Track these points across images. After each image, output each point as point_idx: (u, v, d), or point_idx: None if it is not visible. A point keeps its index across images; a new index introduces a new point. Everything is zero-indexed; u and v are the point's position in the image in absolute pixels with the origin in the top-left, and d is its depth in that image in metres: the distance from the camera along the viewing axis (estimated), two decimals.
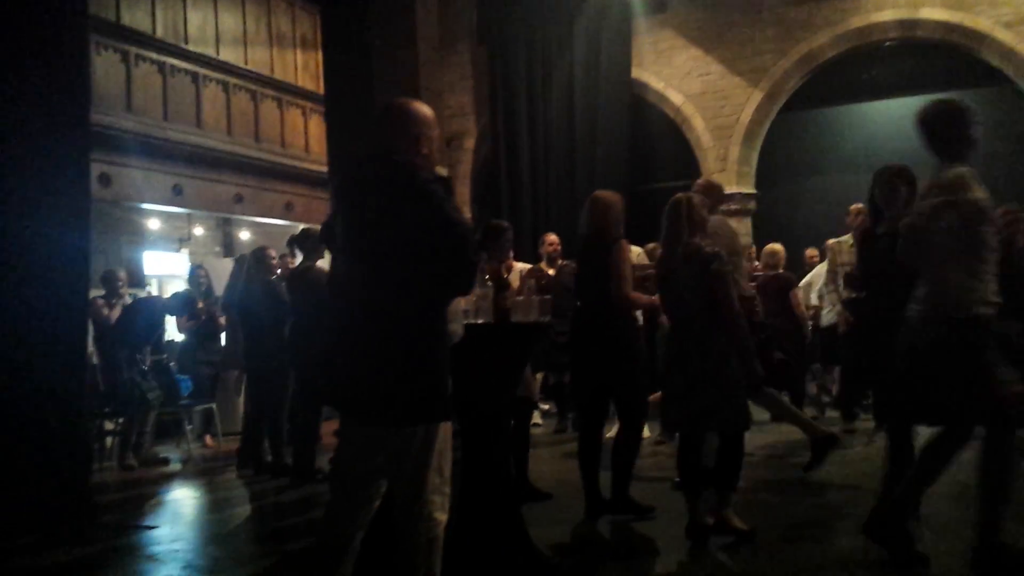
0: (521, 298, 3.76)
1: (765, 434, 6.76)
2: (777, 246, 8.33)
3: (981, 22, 10.42)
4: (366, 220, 2.65)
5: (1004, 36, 10.31)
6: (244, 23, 13.45)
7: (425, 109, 2.85)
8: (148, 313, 7.62)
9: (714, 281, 4.05)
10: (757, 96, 11.58)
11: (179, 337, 8.67)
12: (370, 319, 2.61)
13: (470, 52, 13.09)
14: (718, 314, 4.05)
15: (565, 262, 7.43)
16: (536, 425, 8.19)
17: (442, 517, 2.65)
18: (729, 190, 11.61)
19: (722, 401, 4.06)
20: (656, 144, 12.66)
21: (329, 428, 5.95)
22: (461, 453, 3.74)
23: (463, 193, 13.04)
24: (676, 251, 4.22)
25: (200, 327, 8.23)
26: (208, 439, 8.40)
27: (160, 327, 7.91)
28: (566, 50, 12.15)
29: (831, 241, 7.65)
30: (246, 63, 13.33)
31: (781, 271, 8.12)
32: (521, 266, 7.53)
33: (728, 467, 4.21)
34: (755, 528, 4.17)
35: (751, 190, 11.78)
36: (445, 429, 2.69)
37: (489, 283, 3.79)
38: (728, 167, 11.77)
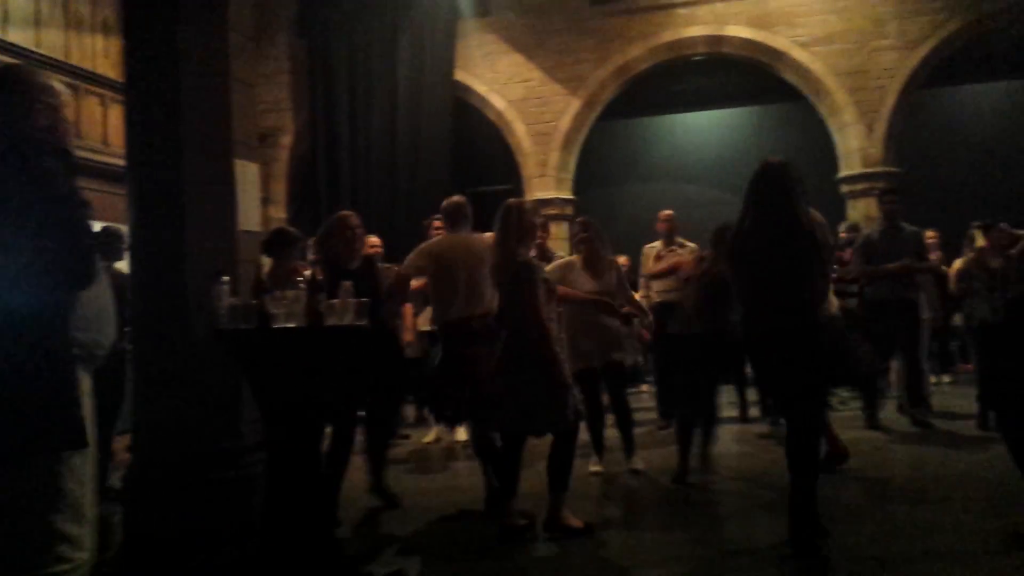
0: (337, 300, 3.59)
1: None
2: None
3: (780, 41, 11.14)
4: None
5: (800, 55, 11.07)
6: (38, 4, 12.35)
7: (43, 77, 2.45)
8: None
9: (520, 288, 4.12)
10: (576, 104, 11.85)
11: None
12: None
13: (288, 45, 12.65)
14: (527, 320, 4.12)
15: (388, 265, 7.21)
16: (406, 437, 7.70)
17: (79, 556, 2.26)
18: (548, 195, 11.88)
19: (545, 403, 4.09)
20: (480, 147, 12.74)
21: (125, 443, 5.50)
22: (267, 466, 3.54)
23: (278, 192, 12.58)
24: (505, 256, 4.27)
25: None
26: None
27: None
28: (390, 48, 11.96)
29: (645, 247, 7.87)
30: (38, 46, 12.23)
31: None
32: None
33: (558, 467, 4.23)
34: (592, 524, 4.24)
35: (569, 195, 12.04)
36: (82, 461, 2.27)
37: (302, 284, 3.60)
38: (548, 172, 11.98)
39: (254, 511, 3.71)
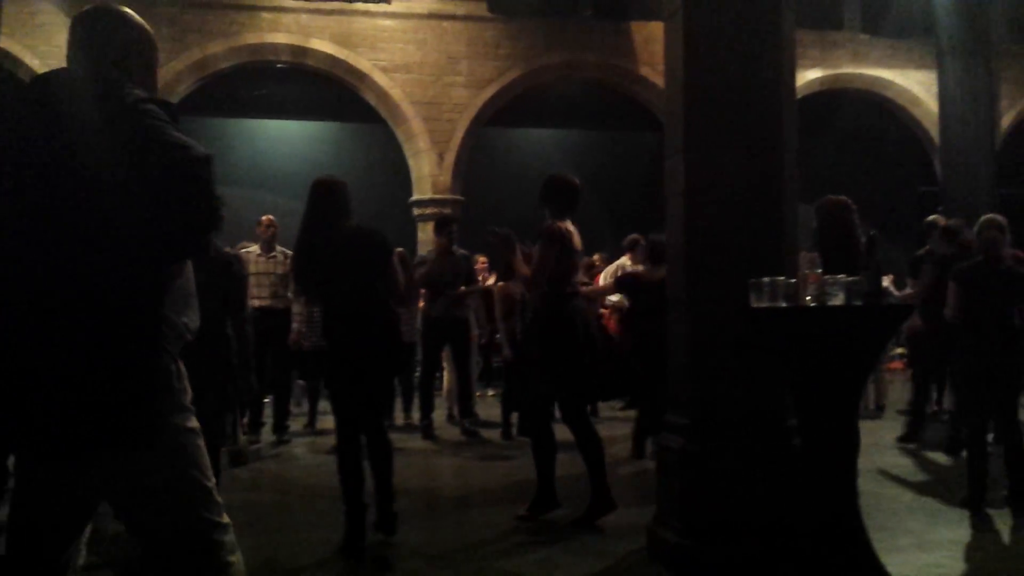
0: None
1: None
2: None
3: (363, 62, 11.42)
4: (30, 162, 1.76)
5: (381, 79, 11.44)
6: None
7: (138, 18, 2.05)
8: None
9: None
10: None
11: None
12: (40, 306, 1.72)
13: None
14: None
15: None
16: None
17: (234, 559, 1.94)
18: None
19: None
20: None
21: None
22: None
23: None
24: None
25: None
26: None
27: None
28: None
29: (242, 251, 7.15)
30: None
31: None
32: None
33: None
34: None
35: None
36: (194, 445, 1.93)
37: None
38: None
39: None
